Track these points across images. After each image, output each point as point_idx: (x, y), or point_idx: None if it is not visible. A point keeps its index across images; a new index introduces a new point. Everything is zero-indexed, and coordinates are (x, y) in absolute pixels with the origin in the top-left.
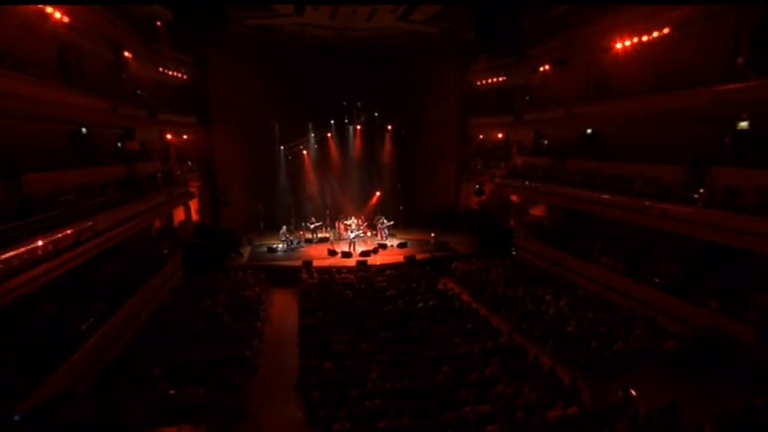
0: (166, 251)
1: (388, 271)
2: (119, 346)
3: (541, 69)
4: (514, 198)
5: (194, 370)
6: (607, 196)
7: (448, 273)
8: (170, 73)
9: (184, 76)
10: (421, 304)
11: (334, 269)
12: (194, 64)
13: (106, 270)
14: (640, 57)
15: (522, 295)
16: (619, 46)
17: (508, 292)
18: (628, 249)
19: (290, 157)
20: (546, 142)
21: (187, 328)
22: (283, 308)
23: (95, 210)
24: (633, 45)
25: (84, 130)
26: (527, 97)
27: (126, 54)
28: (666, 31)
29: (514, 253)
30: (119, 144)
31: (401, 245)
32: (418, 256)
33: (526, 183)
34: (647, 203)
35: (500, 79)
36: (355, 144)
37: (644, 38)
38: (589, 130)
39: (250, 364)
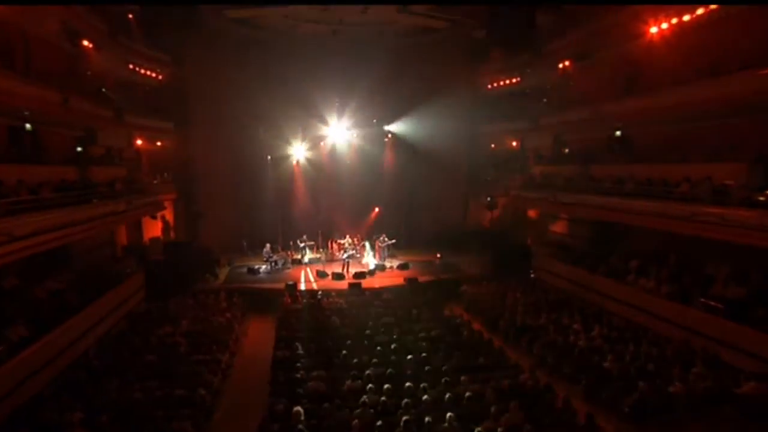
0: (128, 270)
1: (385, 295)
2: (38, 382)
3: (561, 66)
4: (531, 213)
5: (126, 415)
6: (645, 204)
7: (456, 298)
8: (143, 71)
9: (160, 77)
10: (422, 334)
11: (321, 292)
12: (171, 63)
13: (43, 288)
14: (679, 42)
15: (545, 323)
16: (653, 30)
17: (527, 320)
18: (672, 268)
19: (278, 168)
20: (567, 150)
21: (134, 361)
22: (259, 338)
23: (14, 210)
24: (671, 28)
25: (28, 126)
26: (544, 100)
27: (85, 43)
28: (713, 7)
29: (532, 275)
30: (79, 149)
31: (402, 266)
32: (421, 279)
33: (546, 194)
34: (697, 209)
35: (514, 80)
36: (351, 153)
37: (685, 18)
38: (618, 132)
39: (204, 407)
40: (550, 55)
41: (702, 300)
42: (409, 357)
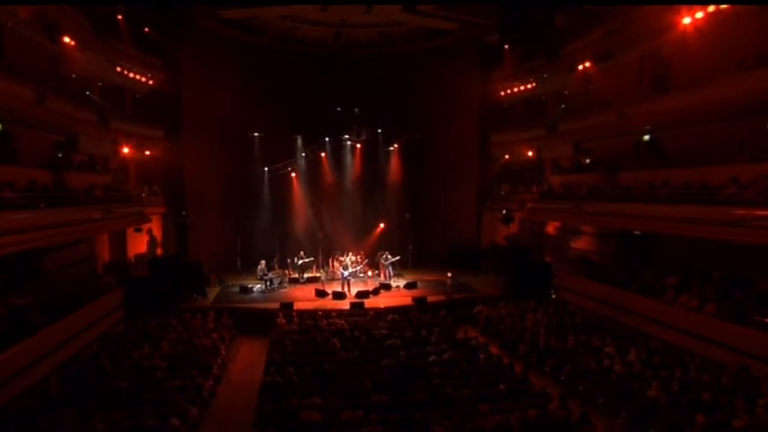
0: (106, 287)
1: (390, 316)
2: None
3: (580, 67)
4: (549, 229)
5: None
6: (685, 209)
7: (470, 320)
8: (132, 75)
9: (150, 82)
10: (433, 357)
11: (320, 313)
12: (163, 68)
13: (3, 305)
14: (717, 32)
15: (572, 346)
16: (686, 21)
17: (552, 342)
18: (717, 283)
19: (276, 181)
20: (588, 160)
21: (102, 387)
22: (249, 363)
23: None
24: (706, 17)
25: None
26: (562, 106)
27: (67, 40)
28: None
29: (553, 296)
30: (60, 155)
31: (409, 285)
32: (431, 298)
33: (569, 205)
34: (749, 212)
35: (529, 86)
36: (354, 165)
37: (723, 5)
38: (646, 137)
39: None
40: (568, 57)
41: (758, 318)
42: (419, 383)
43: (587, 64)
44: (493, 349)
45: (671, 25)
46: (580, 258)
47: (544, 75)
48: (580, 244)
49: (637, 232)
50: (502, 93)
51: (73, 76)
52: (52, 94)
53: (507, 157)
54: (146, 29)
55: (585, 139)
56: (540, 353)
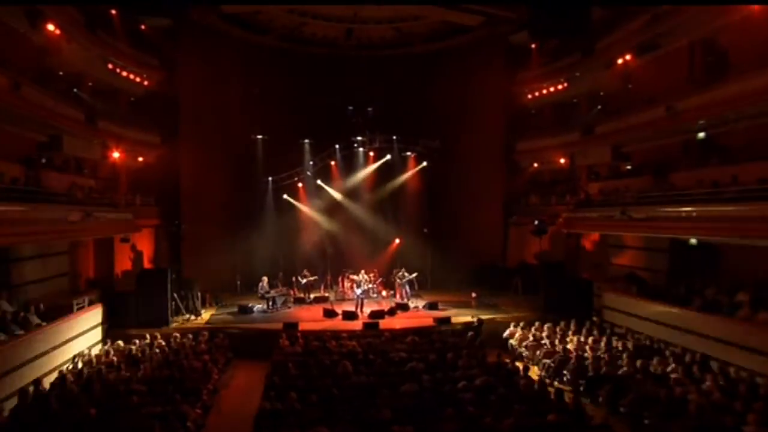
0: (81, 303)
1: (409, 338)
2: None
3: (620, 61)
4: (586, 244)
5: None
6: (762, 207)
7: (501, 343)
8: (126, 74)
9: (146, 82)
10: (463, 383)
11: (329, 333)
12: (160, 67)
13: None
14: None
15: (628, 371)
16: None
17: (603, 367)
18: None
19: (281, 191)
20: (629, 163)
21: (68, 414)
22: (246, 389)
23: None
24: None
25: None
26: (598, 107)
27: (51, 29)
28: None
29: (595, 318)
30: (43, 159)
31: (429, 306)
32: (455, 319)
33: (611, 212)
34: None
35: (560, 87)
36: (367, 175)
37: None
38: (701, 134)
39: None
40: (605, 51)
41: None
42: (449, 411)
43: (627, 58)
44: (532, 375)
45: (730, 8)
46: (626, 275)
47: (577, 73)
48: (624, 259)
49: (693, 242)
50: (529, 96)
51: (61, 73)
52: (31, 84)
53: (536, 165)
54: (142, 26)
55: (627, 141)
56: (591, 380)
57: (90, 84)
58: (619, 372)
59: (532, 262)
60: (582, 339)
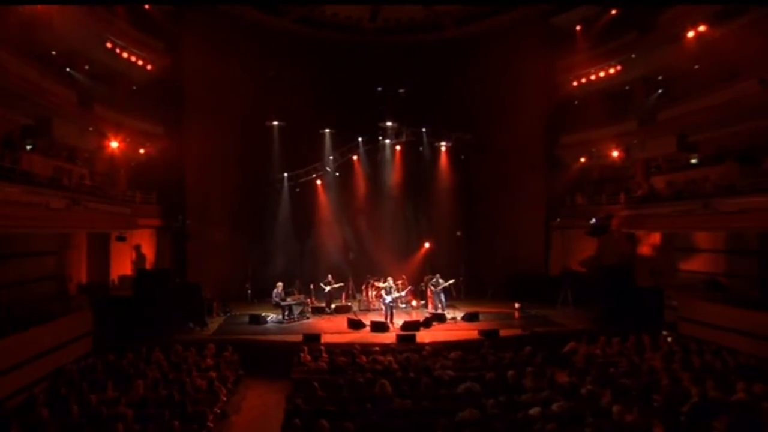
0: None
1: (453, 353)
2: None
3: (690, 34)
4: (644, 248)
5: None
6: None
7: (558, 361)
8: (126, 56)
9: (149, 66)
10: (536, 408)
11: (358, 347)
12: (164, 51)
13: None
14: None
15: (744, 397)
16: None
17: (708, 392)
18: None
19: (298, 189)
20: (696, 155)
21: None
22: (261, 413)
23: None
24: None
25: None
26: (659, 90)
27: None
28: None
29: (665, 334)
30: (28, 146)
31: (469, 317)
32: (503, 332)
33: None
34: None
35: (611, 71)
36: (394, 172)
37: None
38: None
39: None
40: (669, 25)
41: None
42: None
43: (701, 29)
44: (605, 399)
45: None
46: (705, 282)
47: (633, 55)
48: (696, 264)
49: None
50: (575, 83)
51: (54, 53)
52: (12, 52)
53: (583, 160)
54: (146, 5)
55: (697, 127)
56: (695, 407)
57: (86, 67)
58: (733, 398)
59: (578, 270)
60: (663, 356)
